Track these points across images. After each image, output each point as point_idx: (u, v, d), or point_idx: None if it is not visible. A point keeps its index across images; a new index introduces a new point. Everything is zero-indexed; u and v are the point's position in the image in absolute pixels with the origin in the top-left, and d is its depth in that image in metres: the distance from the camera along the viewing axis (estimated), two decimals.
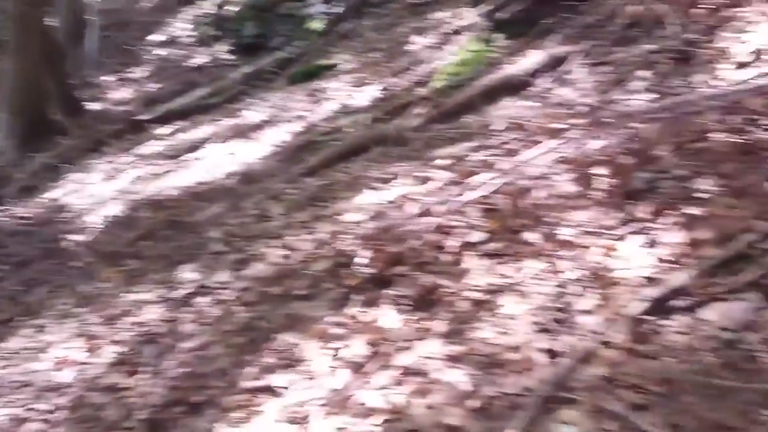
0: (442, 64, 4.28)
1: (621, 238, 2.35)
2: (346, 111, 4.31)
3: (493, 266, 2.48)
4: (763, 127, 2.48)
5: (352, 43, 5.23)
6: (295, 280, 2.78)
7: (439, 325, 2.30)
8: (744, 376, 1.81)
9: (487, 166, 2.96)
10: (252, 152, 4.22)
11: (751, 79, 2.69)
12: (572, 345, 2.02)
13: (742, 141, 2.49)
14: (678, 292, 2.05)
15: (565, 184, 2.62)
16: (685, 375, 1.84)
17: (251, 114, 4.84)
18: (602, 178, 2.56)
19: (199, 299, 2.94)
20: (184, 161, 4.55)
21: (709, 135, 2.60)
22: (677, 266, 2.14)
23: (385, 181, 3.31)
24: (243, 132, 4.58)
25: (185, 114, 5.40)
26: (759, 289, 1.99)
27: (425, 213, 2.77)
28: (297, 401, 2.16)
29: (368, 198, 3.21)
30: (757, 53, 3.02)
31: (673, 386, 1.82)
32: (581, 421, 1.79)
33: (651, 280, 2.14)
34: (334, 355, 2.30)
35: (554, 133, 2.91)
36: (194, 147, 4.68)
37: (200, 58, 6.55)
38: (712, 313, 1.97)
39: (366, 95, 4.40)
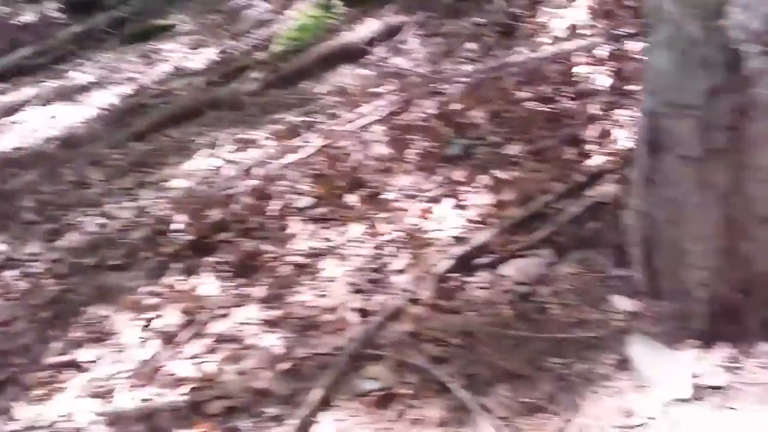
0: (281, 29, 4.20)
1: (436, 200, 2.43)
2: (180, 73, 4.12)
3: (317, 230, 2.48)
4: (566, 95, 2.65)
5: (190, 4, 4.99)
6: (111, 249, 2.63)
7: (259, 291, 2.27)
8: (535, 327, 1.94)
9: (316, 131, 2.95)
10: (76, 116, 3.92)
11: (552, 49, 2.87)
12: (383, 304, 2.08)
13: (549, 109, 2.65)
14: (481, 249, 2.16)
15: (387, 149, 2.67)
16: (482, 327, 1.94)
17: (78, 75, 4.49)
18: (422, 143, 2.64)
19: (6, 273, 2.71)
20: (0, 125, 4.16)
21: (522, 104, 2.76)
22: (483, 226, 2.25)
23: (216, 146, 3.21)
24: (68, 94, 4.24)
25: (6, 75, 4.92)
26: (551, 245, 2.14)
27: (250, 177, 2.71)
28: (103, 375, 2.05)
29: (197, 163, 3.10)
30: (572, 28, 3.22)
31: (472, 339, 1.92)
32: (385, 375, 1.84)
33: (459, 240, 2.23)
34: (146, 326, 2.21)
35: (380, 100, 2.95)
36: (12, 110, 4.27)
37: (27, 16, 5.99)
38: (510, 268, 2.10)
39: (203, 58, 4.23)
